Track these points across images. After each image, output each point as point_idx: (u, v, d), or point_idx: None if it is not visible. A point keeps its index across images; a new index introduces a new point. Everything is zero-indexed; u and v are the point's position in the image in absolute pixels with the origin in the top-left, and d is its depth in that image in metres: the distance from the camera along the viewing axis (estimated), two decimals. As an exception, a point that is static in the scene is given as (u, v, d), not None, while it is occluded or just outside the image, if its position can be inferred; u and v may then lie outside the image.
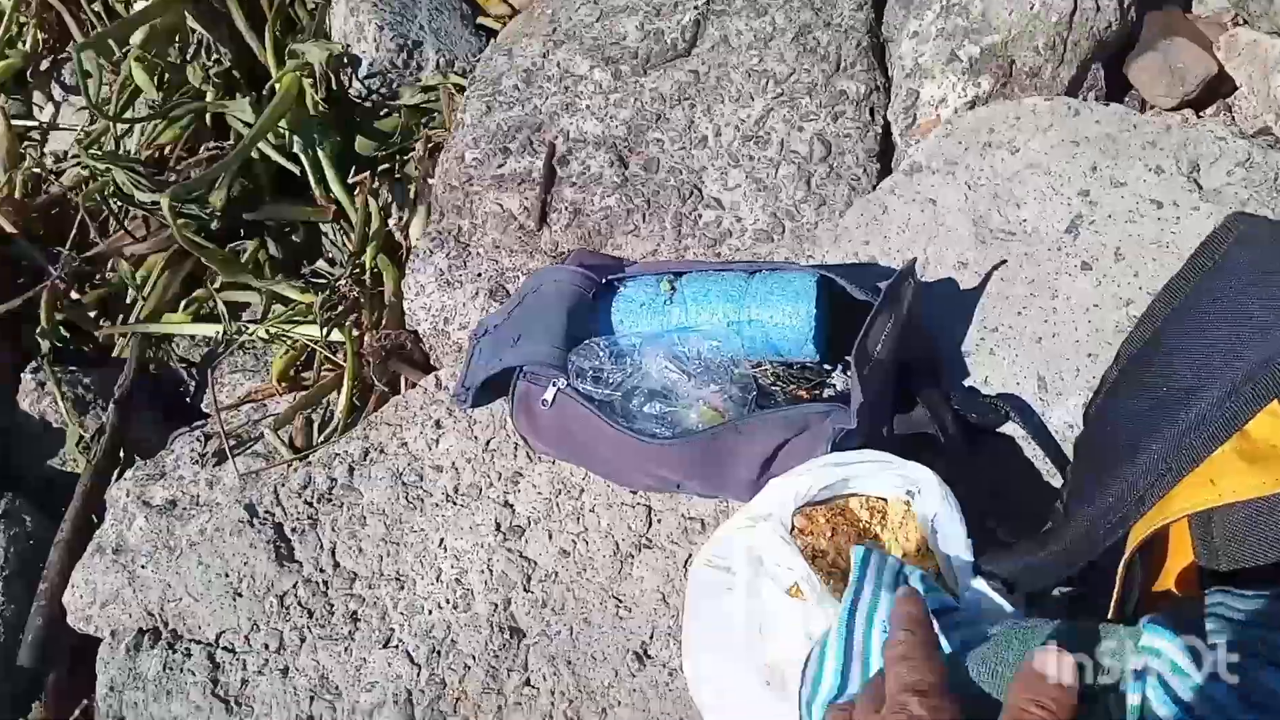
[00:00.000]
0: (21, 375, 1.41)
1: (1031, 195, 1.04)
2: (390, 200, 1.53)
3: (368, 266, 1.44)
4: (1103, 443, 0.76)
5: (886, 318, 0.84)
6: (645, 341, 0.91)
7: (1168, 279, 0.79)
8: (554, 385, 0.89)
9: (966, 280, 1.01)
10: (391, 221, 1.52)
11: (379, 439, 1.08)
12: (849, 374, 0.96)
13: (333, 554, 1.02)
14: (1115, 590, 0.63)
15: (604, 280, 0.94)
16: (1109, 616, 0.64)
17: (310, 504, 1.06)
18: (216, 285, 1.52)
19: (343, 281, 1.43)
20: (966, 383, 0.96)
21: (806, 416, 0.85)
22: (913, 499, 0.77)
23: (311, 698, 0.96)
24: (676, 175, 1.26)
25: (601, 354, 0.87)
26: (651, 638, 0.92)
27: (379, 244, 1.46)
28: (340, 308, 1.39)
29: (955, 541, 0.75)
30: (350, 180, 1.56)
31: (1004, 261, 1.01)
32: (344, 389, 1.27)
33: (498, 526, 1.00)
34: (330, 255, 1.61)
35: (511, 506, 1.01)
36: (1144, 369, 0.76)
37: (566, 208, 1.25)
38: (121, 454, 1.34)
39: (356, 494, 1.05)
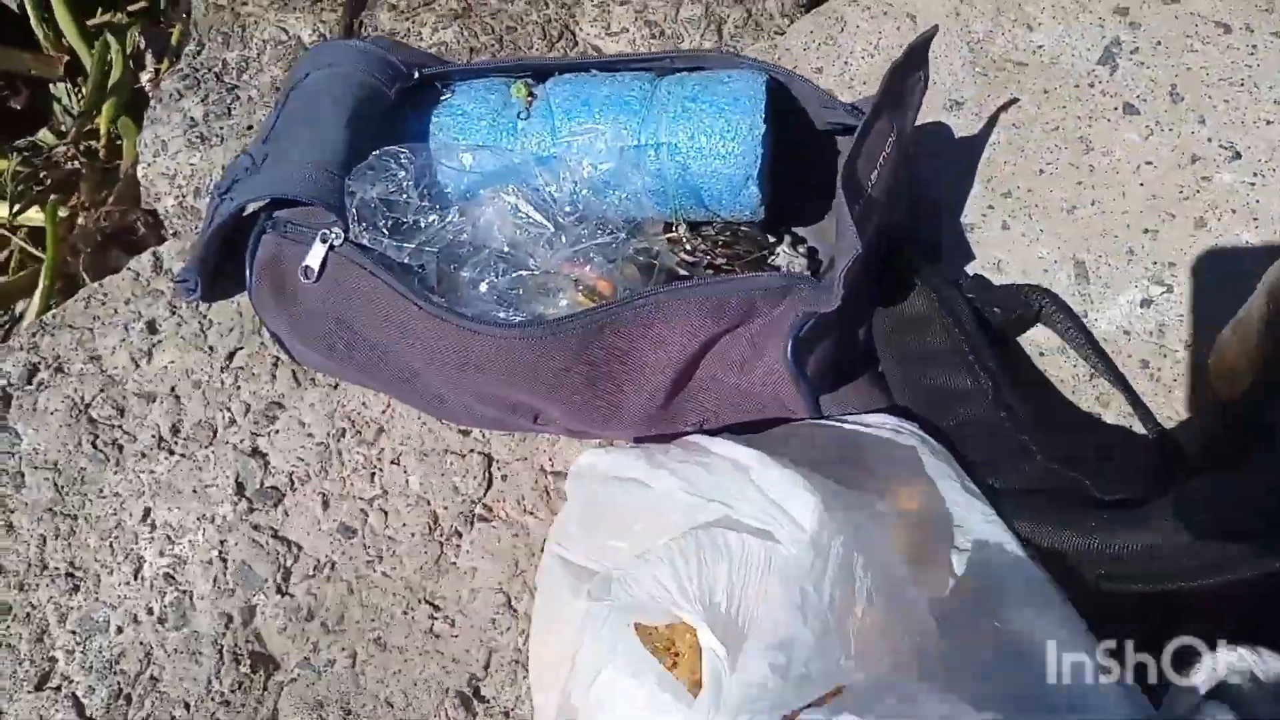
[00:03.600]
0: None
1: (1048, 12, 0.73)
2: (144, 47, 1.11)
3: (103, 130, 1.02)
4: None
5: (885, 129, 0.50)
6: (484, 179, 0.55)
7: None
8: (323, 240, 0.52)
9: (962, 126, 0.69)
10: (145, 77, 1.10)
11: (55, 350, 0.68)
12: (799, 250, 0.62)
13: (-38, 535, 0.62)
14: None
15: (415, 76, 0.57)
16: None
17: (-65, 454, 0.65)
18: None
19: (61, 148, 1.00)
20: (970, 269, 0.64)
21: (751, 294, 0.50)
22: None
23: (-101, 780, 0.56)
24: (540, 7, 0.91)
25: (403, 171, 0.50)
26: (487, 668, 0.56)
27: (121, 100, 1.04)
28: (49, 181, 0.97)
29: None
30: (92, 23, 1.14)
31: (1015, 101, 0.70)
32: (39, 290, 0.86)
33: (240, 489, 0.62)
34: (62, 127, 1.17)
35: (264, 457, 0.63)
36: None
37: (381, 38, 0.87)
38: None
39: (12, 438, 0.65)
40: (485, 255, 0.53)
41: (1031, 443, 0.48)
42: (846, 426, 0.50)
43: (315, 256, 0.52)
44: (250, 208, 0.57)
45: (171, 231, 0.85)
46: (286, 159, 0.52)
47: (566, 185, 0.53)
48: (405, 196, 0.50)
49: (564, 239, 0.53)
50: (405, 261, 0.52)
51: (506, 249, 0.52)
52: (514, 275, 0.53)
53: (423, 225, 0.51)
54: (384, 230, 0.51)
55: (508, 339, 0.50)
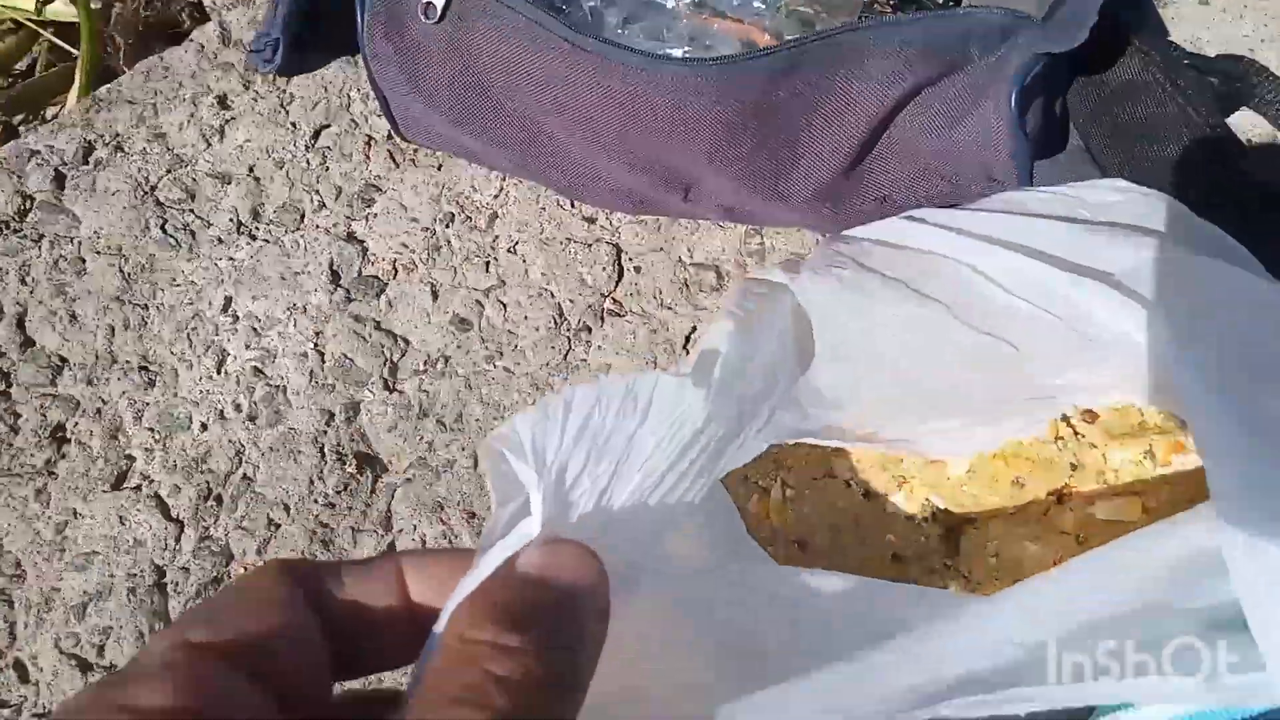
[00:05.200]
0: None
1: None
2: None
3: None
4: None
5: None
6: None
7: None
8: (452, -34, 0.44)
9: (1150, -109, 0.60)
10: None
11: (114, 127, 0.60)
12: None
13: (20, 326, 0.55)
14: None
15: None
16: None
17: (-18, 240, 0.57)
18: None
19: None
20: (1163, 49, 0.57)
21: (966, 34, 0.42)
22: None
23: (-33, 584, 0.50)
24: None
25: None
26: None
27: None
28: (79, -29, 0.87)
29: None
30: None
31: None
32: (75, 85, 0.77)
33: (335, 277, 0.55)
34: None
35: (361, 243, 0.55)
36: None
37: None
38: None
39: (69, 220, 0.57)
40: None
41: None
42: (1074, 193, 0.43)
43: (442, -14, 0.44)
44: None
45: (222, 22, 0.76)
46: None
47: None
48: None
49: (735, -29, 0.44)
50: (551, -9, 0.44)
51: (667, -17, 0.44)
52: (668, 24, 0.45)
53: (577, -61, 0.43)
54: (530, -54, 0.42)
55: (680, 78, 0.42)
